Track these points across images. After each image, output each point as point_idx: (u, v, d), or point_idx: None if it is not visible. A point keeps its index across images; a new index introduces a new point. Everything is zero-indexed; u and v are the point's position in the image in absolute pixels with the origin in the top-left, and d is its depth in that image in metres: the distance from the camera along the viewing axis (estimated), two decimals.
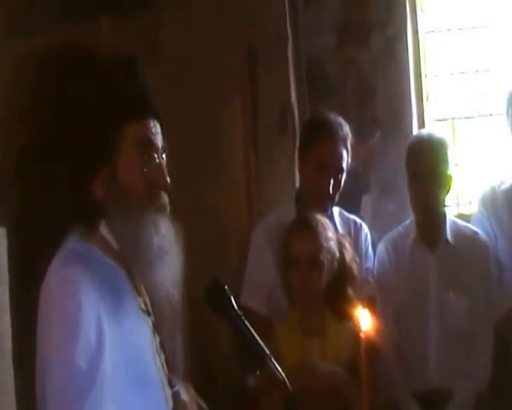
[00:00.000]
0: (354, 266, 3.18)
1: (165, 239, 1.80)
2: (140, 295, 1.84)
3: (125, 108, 1.79)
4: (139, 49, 3.99)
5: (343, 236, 3.35)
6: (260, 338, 1.91)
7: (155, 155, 1.81)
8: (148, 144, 1.80)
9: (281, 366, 1.92)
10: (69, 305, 1.65)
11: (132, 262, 1.78)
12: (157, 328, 1.85)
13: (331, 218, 3.46)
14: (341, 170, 3.45)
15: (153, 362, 1.78)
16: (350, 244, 3.25)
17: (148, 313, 1.84)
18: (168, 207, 1.82)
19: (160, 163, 1.82)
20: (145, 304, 1.84)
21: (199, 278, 2.12)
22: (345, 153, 3.46)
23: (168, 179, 1.82)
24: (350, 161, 3.50)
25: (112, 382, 1.64)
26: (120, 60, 1.86)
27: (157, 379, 1.78)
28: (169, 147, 1.83)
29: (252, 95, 4.13)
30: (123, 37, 3.94)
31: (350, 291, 3.13)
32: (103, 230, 1.78)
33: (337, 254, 3.11)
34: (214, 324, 2.17)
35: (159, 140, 1.83)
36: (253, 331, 1.91)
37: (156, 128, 1.83)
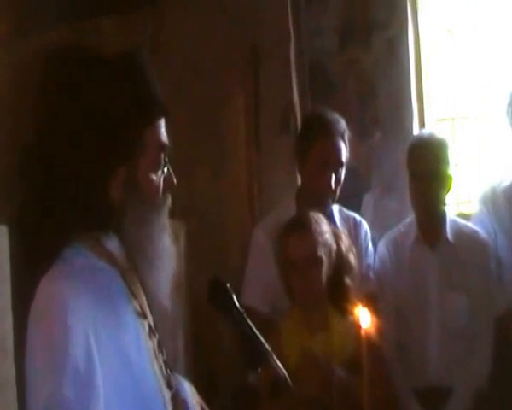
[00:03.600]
0: (351, 256, 3.16)
1: (167, 239, 1.78)
2: (135, 297, 1.78)
3: (147, 108, 1.74)
4: (141, 47, 4.02)
5: (338, 228, 3.35)
6: (262, 336, 1.92)
7: (165, 157, 1.78)
8: (164, 148, 1.77)
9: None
10: (56, 330, 1.57)
11: (139, 265, 1.74)
12: (154, 330, 1.81)
13: (331, 215, 3.48)
14: (341, 164, 3.48)
15: (149, 367, 1.73)
16: (345, 236, 3.24)
17: (144, 316, 1.79)
18: (168, 203, 1.81)
19: (168, 164, 1.78)
20: (141, 306, 1.79)
21: (201, 277, 2.13)
22: (344, 147, 3.49)
23: (175, 180, 1.79)
24: (349, 156, 3.52)
25: (105, 395, 1.58)
26: (131, 55, 1.78)
27: (154, 384, 1.74)
28: (171, 146, 1.81)
29: (254, 94, 4.14)
30: (125, 35, 3.96)
31: (348, 281, 3.12)
32: (98, 232, 1.73)
33: (334, 246, 3.10)
34: (216, 321, 2.18)
35: (167, 139, 1.80)
36: (254, 329, 1.91)
37: (165, 127, 1.79)
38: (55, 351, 1.55)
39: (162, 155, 1.76)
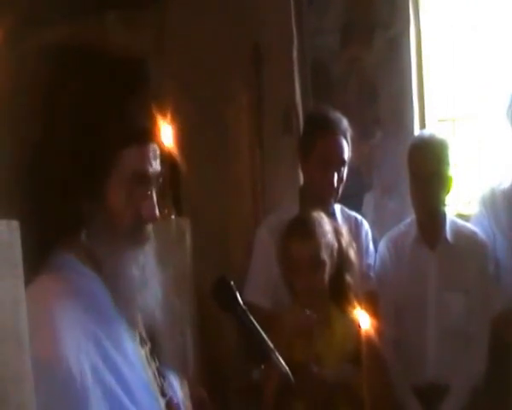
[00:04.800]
0: (351, 252, 3.16)
1: (145, 270, 1.68)
2: None
3: (127, 131, 1.62)
4: (145, 45, 4.05)
5: (338, 223, 3.36)
6: (265, 332, 1.94)
7: (148, 188, 1.66)
8: (143, 177, 1.64)
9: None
10: (47, 347, 1.50)
11: (113, 292, 1.68)
12: (145, 337, 1.77)
13: (333, 215, 3.50)
14: (344, 163, 3.50)
15: (143, 376, 1.69)
16: (345, 230, 3.25)
17: (134, 324, 1.74)
18: (151, 237, 1.70)
19: (151, 197, 1.67)
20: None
21: (205, 274, 2.15)
22: (346, 146, 3.51)
23: (157, 213, 1.68)
24: (351, 154, 3.54)
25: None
26: (130, 64, 1.68)
27: (149, 394, 1.69)
28: (158, 175, 1.74)
29: (257, 94, 4.16)
30: (129, 31, 3.97)
31: (348, 278, 3.12)
32: (84, 239, 1.65)
33: (336, 245, 3.10)
34: (220, 319, 2.20)
35: (156, 168, 1.67)
36: (258, 327, 1.93)
37: (155, 153, 1.67)
38: (47, 369, 1.49)
39: (141, 186, 1.65)
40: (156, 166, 1.67)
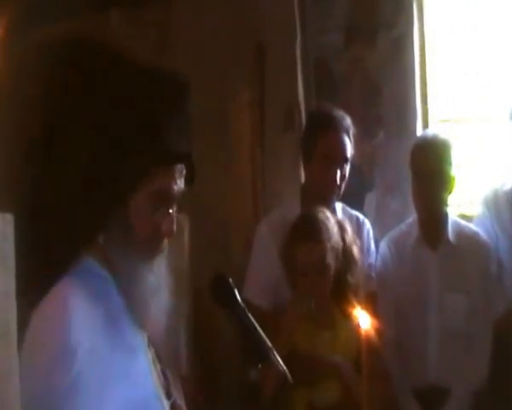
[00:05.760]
0: (355, 250, 3.14)
1: (158, 277, 1.71)
2: None
3: (162, 152, 1.63)
4: (148, 43, 4.04)
5: (342, 219, 3.34)
6: (264, 331, 1.92)
7: (170, 205, 1.68)
8: (167, 195, 1.66)
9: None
10: (56, 351, 1.53)
11: (127, 296, 1.69)
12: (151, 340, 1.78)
13: (334, 212, 3.48)
14: (346, 160, 3.49)
15: (150, 378, 1.71)
16: (349, 225, 3.23)
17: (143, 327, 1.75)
18: (166, 248, 1.72)
19: (171, 214, 1.68)
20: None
21: (204, 272, 2.13)
22: (348, 143, 3.50)
23: (175, 228, 1.69)
24: (353, 152, 3.53)
25: None
26: (173, 82, 1.67)
27: (154, 396, 1.71)
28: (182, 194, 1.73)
29: (259, 92, 4.15)
30: (133, 28, 3.96)
31: (350, 278, 3.10)
32: (102, 242, 1.67)
33: (341, 244, 3.07)
34: (218, 316, 2.18)
35: (180, 186, 1.68)
36: (256, 325, 1.91)
37: (182, 172, 1.69)
38: (53, 371, 1.51)
39: (163, 204, 1.66)
40: (181, 184, 1.68)
